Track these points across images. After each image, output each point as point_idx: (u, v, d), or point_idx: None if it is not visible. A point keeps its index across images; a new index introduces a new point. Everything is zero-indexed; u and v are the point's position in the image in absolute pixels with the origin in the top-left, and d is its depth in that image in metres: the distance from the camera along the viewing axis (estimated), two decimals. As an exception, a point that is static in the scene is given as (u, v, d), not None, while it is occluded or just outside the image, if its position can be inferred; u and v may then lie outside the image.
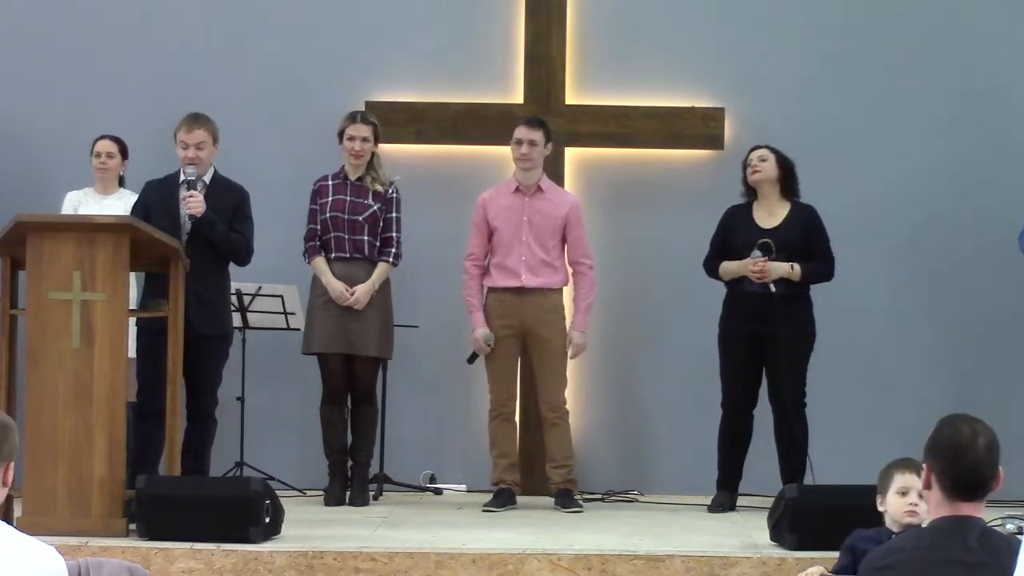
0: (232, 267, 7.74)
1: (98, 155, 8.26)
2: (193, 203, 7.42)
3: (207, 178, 7.60)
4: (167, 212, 7.47)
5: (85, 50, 8.84)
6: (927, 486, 3.59)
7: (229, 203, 7.57)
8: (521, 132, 8.02)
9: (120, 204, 8.10)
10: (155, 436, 7.16)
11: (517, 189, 8.08)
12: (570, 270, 8.11)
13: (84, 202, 8.21)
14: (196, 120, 7.57)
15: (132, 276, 7.15)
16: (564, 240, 8.06)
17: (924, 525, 3.60)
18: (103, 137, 8.31)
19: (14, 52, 8.85)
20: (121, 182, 8.34)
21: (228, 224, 7.52)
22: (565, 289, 8.12)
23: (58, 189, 8.35)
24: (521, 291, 8.01)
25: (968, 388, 8.56)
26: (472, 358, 8.17)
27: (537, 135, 8.01)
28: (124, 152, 8.32)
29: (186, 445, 7.22)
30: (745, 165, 7.96)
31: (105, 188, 8.27)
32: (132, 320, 7.19)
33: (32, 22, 8.87)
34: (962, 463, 3.52)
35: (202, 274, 7.35)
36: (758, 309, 7.77)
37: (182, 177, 7.55)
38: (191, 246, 7.34)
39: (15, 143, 8.80)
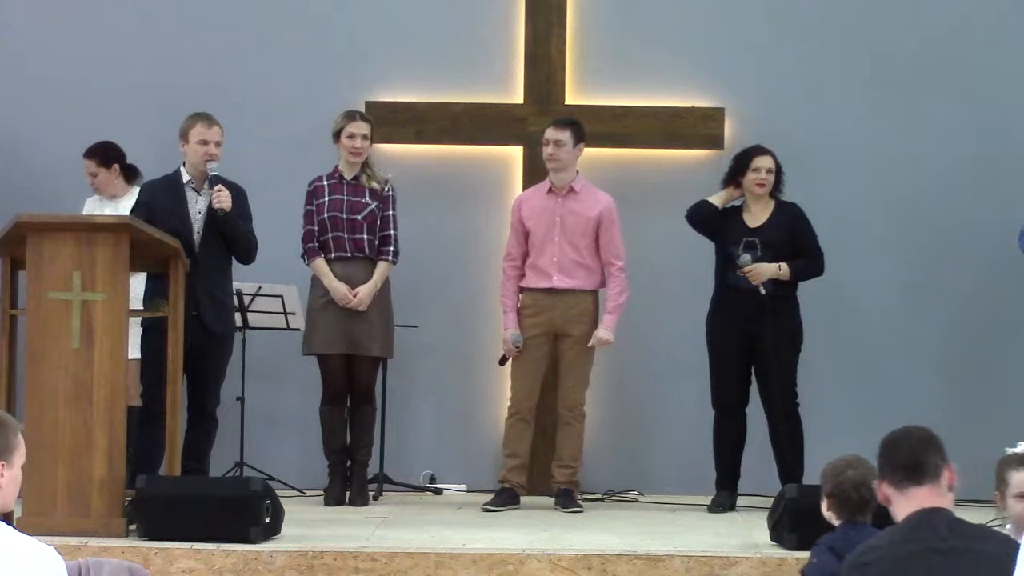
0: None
1: (86, 175, 8.25)
2: (224, 197, 7.42)
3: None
4: (173, 212, 7.46)
5: (83, 50, 8.82)
6: (887, 501, 3.80)
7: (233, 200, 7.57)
8: (548, 132, 8.01)
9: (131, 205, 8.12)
10: (162, 438, 7.12)
11: (550, 190, 8.08)
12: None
13: (99, 208, 8.20)
14: (211, 118, 7.58)
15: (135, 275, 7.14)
16: (598, 241, 8.06)
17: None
18: (84, 155, 8.28)
19: (9, 54, 8.85)
20: (131, 179, 8.27)
21: None
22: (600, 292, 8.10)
23: (43, 191, 8.36)
24: (553, 292, 8.00)
25: (963, 388, 8.58)
26: (503, 360, 8.14)
27: (563, 135, 7.99)
28: (106, 161, 8.23)
29: (186, 446, 7.22)
30: (746, 161, 7.91)
31: (114, 194, 8.25)
32: (136, 320, 7.19)
33: (29, 21, 8.87)
34: (898, 450, 3.78)
35: (214, 273, 7.40)
36: (746, 308, 7.78)
37: (185, 177, 7.54)
38: (204, 245, 7.35)
39: (17, 148, 8.79)
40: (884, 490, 3.79)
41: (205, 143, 7.52)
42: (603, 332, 8.02)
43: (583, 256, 8.01)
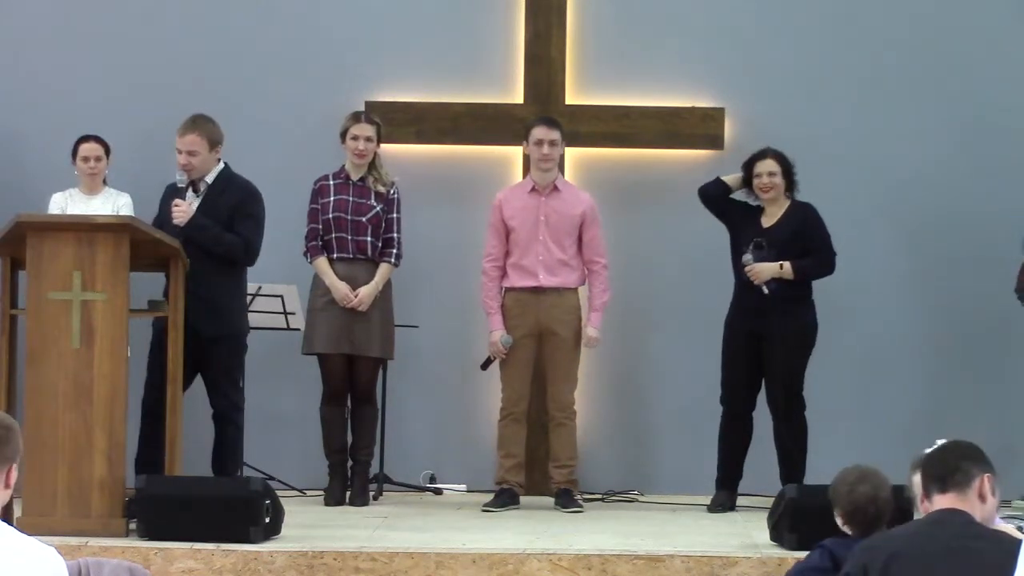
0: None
1: (86, 159, 8.20)
2: (177, 212, 7.38)
3: (210, 178, 7.57)
4: (166, 214, 7.49)
5: (83, 50, 8.83)
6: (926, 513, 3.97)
7: (228, 202, 7.53)
8: (542, 132, 8.00)
9: (107, 205, 8.08)
10: (161, 436, 7.10)
11: (533, 189, 8.07)
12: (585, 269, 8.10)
13: (71, 203, 8.17)
14: (192, 124, 7.52)
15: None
16: (580, 239, 8.05)
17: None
18: (86, 139, 8.25)
19: (6, 54, 8.84)
20: (104, 181, 8.31)
21: (227, 224, 7.49)
22: (581, 289, 8.10)
23: (38, 190, 8.32)
24: (538, 291, 7.99)
25: (965, 390, 8.57)
26: (486, 364, 8.11)
27: (556, 135, 8.01)
28: (108, 152, 8.27)
29: (213, 450, 7.43)
30: (749, 167, 7.90)
31: (91, 189, 8.25)
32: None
33: (28, 22, 8.87)
34: (932, 463, 3.96)
35: (202, 276, 7.31)
36: (757, 306, 7.77)
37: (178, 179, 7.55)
38: (188, 249, 7.34)
39: (12, 148, 8.78)
40: (924, 506, 3.98)
41: (178, 152, 7.53)
42: (592, 331, 8.03)
43: (567, 254, 8.01)
